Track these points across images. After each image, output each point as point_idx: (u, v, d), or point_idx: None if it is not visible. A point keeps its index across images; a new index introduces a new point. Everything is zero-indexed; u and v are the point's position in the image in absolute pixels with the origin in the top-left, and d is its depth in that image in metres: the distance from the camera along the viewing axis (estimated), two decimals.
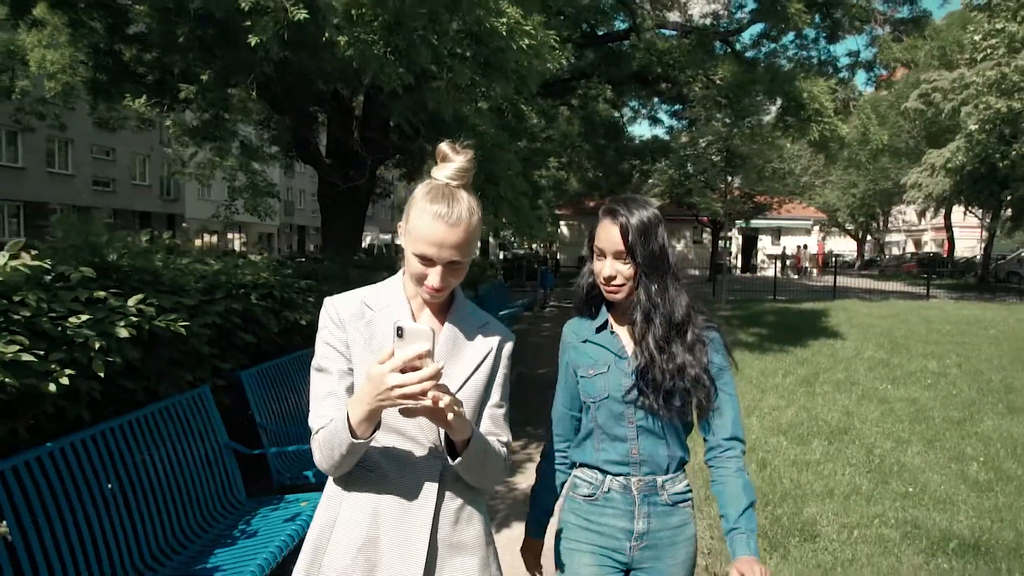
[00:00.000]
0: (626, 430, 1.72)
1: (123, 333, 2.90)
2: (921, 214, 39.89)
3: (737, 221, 33.70)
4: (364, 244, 18.52)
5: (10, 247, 2.80)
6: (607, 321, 1.79)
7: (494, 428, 1.57)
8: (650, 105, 19.15)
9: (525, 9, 4.50)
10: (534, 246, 34.21)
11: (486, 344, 1.57)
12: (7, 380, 2.29)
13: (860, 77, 33.29)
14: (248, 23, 4.04)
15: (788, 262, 34.31)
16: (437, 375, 1.24)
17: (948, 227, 38.83)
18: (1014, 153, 17.95)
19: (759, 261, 41.82)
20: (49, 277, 2.86)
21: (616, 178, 26.41)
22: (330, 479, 1.54)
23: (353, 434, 1.33)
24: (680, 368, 1.66)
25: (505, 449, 1.57)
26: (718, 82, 10.87)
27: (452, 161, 1.46)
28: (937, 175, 24.89)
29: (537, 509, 1.90)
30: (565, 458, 1.87)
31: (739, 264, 41.68)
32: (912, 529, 3.86)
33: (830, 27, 17.58)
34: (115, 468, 2.79)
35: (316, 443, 1.44)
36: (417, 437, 1.49)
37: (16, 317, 2.52)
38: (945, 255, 41.18)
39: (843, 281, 26.65)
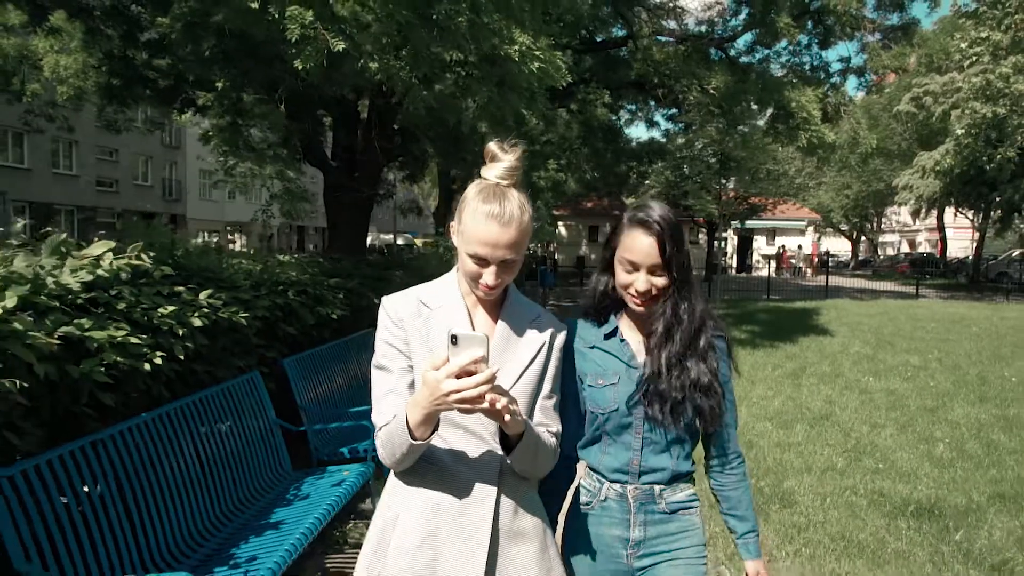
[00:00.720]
0: (632, 439, 1.69)
1: (197, 323, 3.40)
2: (916, 214, 40.41)
3: (732, 222, 34.32)
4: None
5: (100, 245, 3.29)
6: (616, 328, 1.74)
7: (544, 419, 1.59)
8: (647, 109, 19.66)
9: (530, 27, 5.02)
10: (532, 246, 34.71)
11: (539, 338, 1.60)
12: (118, 359, 2.79)
13: (851, 82, 33.79)
14: (285, 43, 4.53)
15: (771, 261, 34.85)
16: (492, 379, 1.26)
17: (941, 228, 39.44)
18: (999, 156, 18.46)
19: (754, 261, 42.39)
20: (126, 274, 3.36)
21: (613, 179, 26.94)
22: (391, 474, 1.59)
23: (412, 435, 1.37)
24: (694, 382, 1.65)
25: (555, 439, 1.59)
26: (711, 91, 11.38)
27: (501, 160, 1.48)
28: (927, 177, 25.43)
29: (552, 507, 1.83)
30: (571, 461, 1.80)
31: (734, 264, 42.27)
32: (878, 497, 4.38)
33: (822, 33, 18.07)
34: (191, 437, 3.29)
35: (379, 440, 1.48)
36: (477, 431, 1.52)
37: (118, 308, 3.02)
38: (938, 256, 41.79)
39: (836, 281, 27.26)
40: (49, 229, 3.49)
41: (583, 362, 1.74)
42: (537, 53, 4.63)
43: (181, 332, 3.23)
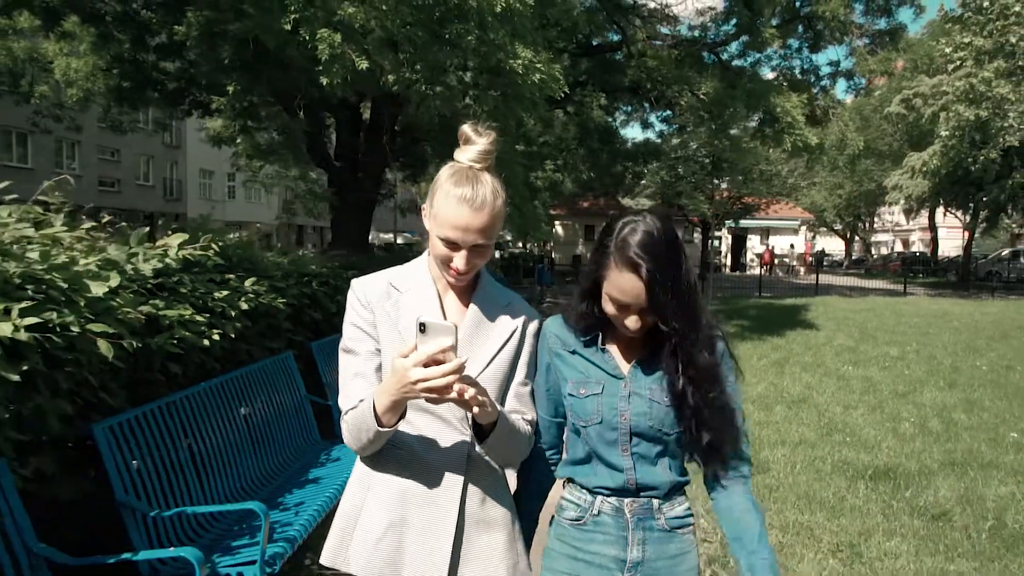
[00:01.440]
0: (621, 459, 1.55)
1: (244, 306, 3.91)
2: (908, 214, 41.11)
3: (727, 221, 34.88)
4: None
5: (175, 237, 3.79)
6: (598, 336, 1.59)
7: (519, 406, 1.57)
8: (641, 111, 20.20)
9: (530, 42, 5.53)
10: (528, 245, 35.25)
11: (511, 323, 1.57)
12: (185, 335, 3.29)
13: (841, 85, 34.32)
14: (312, 60, 5.04)
15: (752, 259, 35.33)
16: (460, 369, 1.25)
17: (932, 227, 40.06)
18: (983, 158, 19.04)
19: (748, 260, 42.97)
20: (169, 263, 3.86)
21: (609, 180, 27.52)
22: (358, 460, 1.57)
23: (379, 422, 1.36)
24: (710, 443, 1.51)
25: (530, 427, 1.57)
26: (702, 96, 11.92)
27: (475, 143, 1.45)
28: (916, 177, 26.03)
29: (523, 518, 1.69)
30: (552, 465, 1.71)
31: (728, 263, 42.86)
32: (842, 464, 4.90)
33: (812, 38, 18.60)
34: (239, 404, 3.80)
35: (345, 425, 1.46)
36: (446, 417, 1.51)
37: (181, 291, 3.52)
38: (930, 254, 42.44)
39: (828, 279, 27.87)
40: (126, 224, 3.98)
41: (563, 365, 1.61)
42: (539, 66, 5.15)
43: (233, 314, 3.74)
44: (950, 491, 4.39)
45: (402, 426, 1.45)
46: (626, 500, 1.56)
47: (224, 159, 43.05)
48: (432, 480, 1.48)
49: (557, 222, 38.51)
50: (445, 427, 1.50)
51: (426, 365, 1.24)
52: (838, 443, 5.45)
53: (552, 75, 5.52)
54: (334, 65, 4.40)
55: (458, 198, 1.40)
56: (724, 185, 32.20)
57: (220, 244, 4.50)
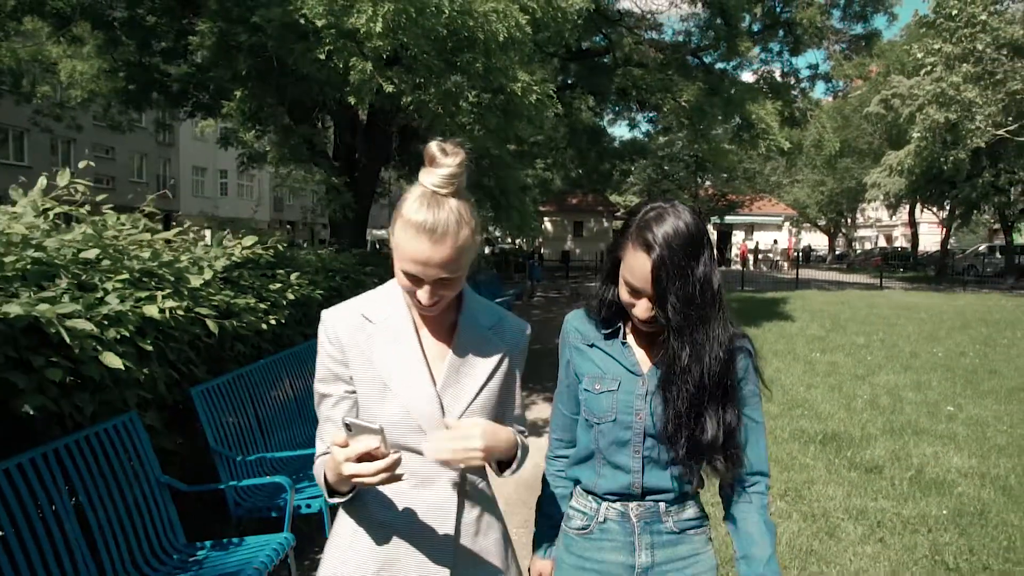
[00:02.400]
0: (630, 460, 1.49)
1: (291, 296, 4.65)
2: (890, 210, 42.18)
3: (712, 217, 35.79)
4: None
5: (248, 239, 4.52)
6: (619, 329, 1.54)
7: (515, 423, 1.53)
8: (629, 112, 20.98)
9: (526, 65, 6.28)
10: (518, 241, 36.06)
11: (499, 348, 1.47)
12: (251, 319, 4.03)
13: (820, 87, 35.46)
14: (343, 82, 5.77)
15: (733, 254, 36.15)
16: (393, 466, 1.18)
17: (912, 223, 41.16)
18: (952, 158, 19.95)
19: (733, 255, 43.94)
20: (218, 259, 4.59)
21: (597, 177, 28.27)
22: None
23: (329, 494, 1.31)
24: (709, 443, 1.42)
25: (527, 441, 1.52)
26: (683, 104, 12.72)
27: (440, 166, 1.28)
28: (893, 176, 26.99)
29: (544, 524, 1.70)
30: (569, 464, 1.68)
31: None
32: (798, 432, 5.70)
33: (792, 42, 19.43)
34: (290, 378, 4.54)
35: (316, 469, 1.42)
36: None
37: (242, 283, 4.26)
38: (911, 250, 43.58)
39: (810, 273, 28.84)
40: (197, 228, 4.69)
41: (581, 360, 1.57)
42: (535, 88, 5.89)
43: (284, 303, 4.48)
44: (884, 451, 5.19)
45: None
46: (631, 504, 1.50)
47: (216, 157, 43.68)
48: (423, 517, 1.39)
49: (546, 219, 39.30)
50: (433, 463, 1.36)
51: (359, 460, 1.16)
52: (796, 416, 6.25)
53: (547, 94, 6.27)
54: (362, 89, 5.12)
55: (416, 227, 1.26)
56: (708, 183, 33.13)
57: (278, 245, 5.27)
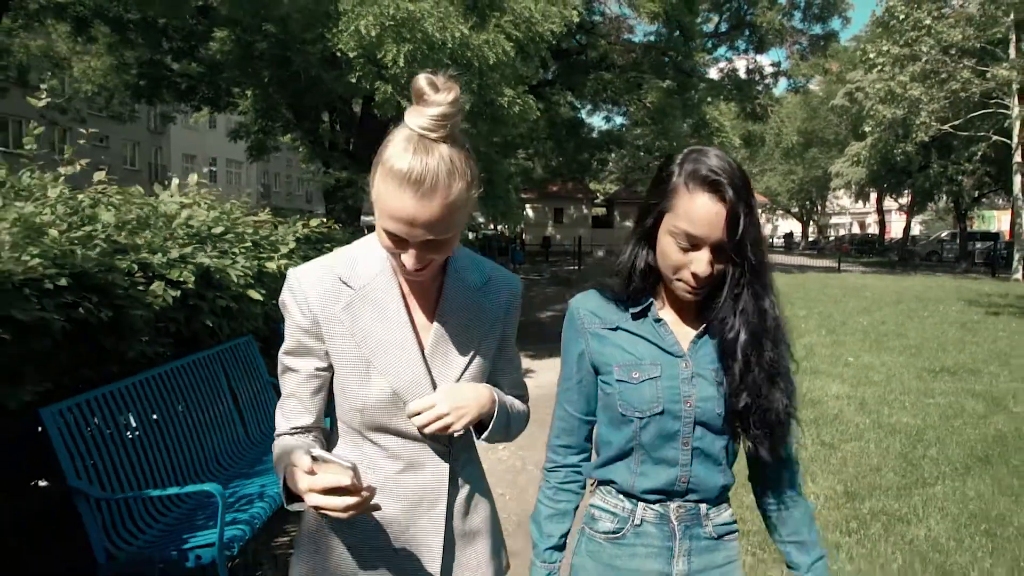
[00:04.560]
0: (678, 452, 1.30)
1: None
2: (858, 197, 44.11)
3: None
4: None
5: (314, 220, 5.99)
6: (651, 305, 1.33)
7: (516, 391, 1.44)
8: (604, 107, 22.51)
9: (509, 79, 7.77)
10: (501, 227, 37.56)
11: (491, 307, 1.33)
12: None
13: (783, 83, 36.72)
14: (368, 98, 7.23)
15: None
16: (362, 504, 1.04)
17: (880, 211, 43.17)
18: (899, 151, 21.68)
19: None
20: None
21: (576, 166, 29.74)
22: None
23: (287, 500, 1.16)
24: (777, 418, 1.27)
25: (525, 405, 1.45)
26: (648, 105, 14.29)
27: (429, 104, 1.05)
28: (854, 166, 28.82)
29: (543, 545, 1.44)
30: (578, 473, 1.45)
31: None
32: None
33: (757, 42, 21.02)
34: None
35: (275, 456, 1.26)
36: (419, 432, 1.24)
37: (298, 254, 5.73)
38: (878, 235, 45.65)
39: (778, 258, 30.64)
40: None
41: (602, 347, 1.34)
42: (518, 101, 7.36)
43: None
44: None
45: (369, 446, 1.28)
46: (672, 505, 1.33)
47: (206, 145, 44.67)
48: (412, 500, 1.28)
49: (528, 206, 40.92)
50: (422, 442, 1.27)
51: (325, 492, 1.01)
52: None
53: (528, 105, 7.74)
54: (385, 105, 6.55)
55: (400, 177, 1.04)
56: None
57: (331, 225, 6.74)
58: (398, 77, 6.34)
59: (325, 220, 6.49)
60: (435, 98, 1.04)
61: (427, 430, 1.20)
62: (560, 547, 1.44)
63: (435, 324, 1.27)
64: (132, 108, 22.05)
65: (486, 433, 1.30)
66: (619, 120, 23.12)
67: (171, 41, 14.89)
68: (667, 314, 1.34)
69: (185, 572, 2.81)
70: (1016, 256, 21.97)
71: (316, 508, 1.04)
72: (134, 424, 3.09)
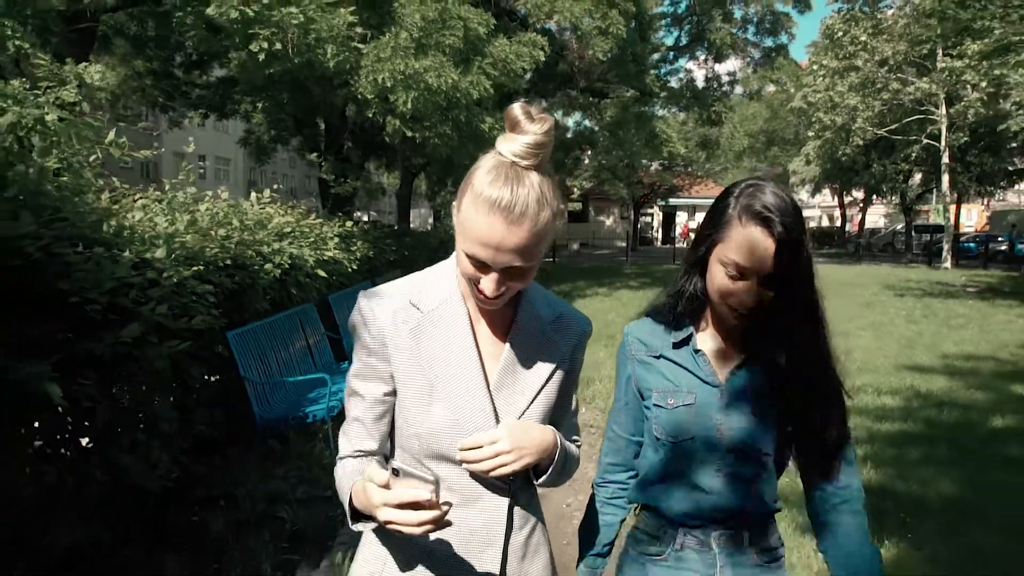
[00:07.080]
0: (712, 480, 1.35)
1: (359, 254, 8.18)
2: (814, 192, 46.56)
3: (658, 200, 39.86)
4: None
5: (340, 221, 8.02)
6: (691, 335, 1.39)
7: (570, 435, 1.39)
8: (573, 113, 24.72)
9: (491, 110, 9.85)
10: None
11: (560, 344, 1.31)
12: (351, 270, 7.54)
13: (739, 89, 38.64)
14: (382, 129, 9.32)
15: (677, 233, 40.46)
16: (437, 520, 1.04)
17: (841, 205, 45.73)
18: (841, 152, 24.05)
19: (676, 234, 48.19)
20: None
21: (551, 164, 31.90)
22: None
23: (352, 520, 1.18)
24: (835, 439, 1.33)
25: (578, 449, 1.41)
26: (607, 118, 16.49)
27: (523, 133, 1.08)
28: (807, 164, 31.25)
29: (590, 554, 1.52)
30: (624, 490, 1.52)
31: (660, 237, 48.12)
32: None
33: (715, 53, 23.24)
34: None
35: (338, 479, 1.26)
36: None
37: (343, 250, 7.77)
38: (854, 229, 48.23)
39: None
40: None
41: (646, 373, 1.42)
42: (496, 126, 9.39)
43: (358, 256, 8.00)
44: None
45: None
46: (713, 533, 1.36)
47: (195, 143, 46.01)
48: (467, 538, 1.24)
49: None
50: (481, 478, 1.23)
51: (400, 506, 1.02)
52: None
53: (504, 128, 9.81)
54: (395, 135, 8.56)
55: (490, 203, 1.07)
56: (653, 167, 37.09)
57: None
58: (404, 115, 8.39)
59: (345, 222, 8.45)
60: (530, 127, 1.07)
61: (477, 467, 1.16)
62: (604, 555, 1.51)
63: (503, 356, 1.26)
64: (137, 112, 23.65)
65: (544, 478, 1.27)
66: (587, 123, 25.33)
67: (183, 54, 16.58)
68: (709, 343, 1.38)
69: (305, 426, 4.89)
70: (945, 247, 24.42)
71: (388, 523, 1.03)
72: (268, 344, 5.20)
